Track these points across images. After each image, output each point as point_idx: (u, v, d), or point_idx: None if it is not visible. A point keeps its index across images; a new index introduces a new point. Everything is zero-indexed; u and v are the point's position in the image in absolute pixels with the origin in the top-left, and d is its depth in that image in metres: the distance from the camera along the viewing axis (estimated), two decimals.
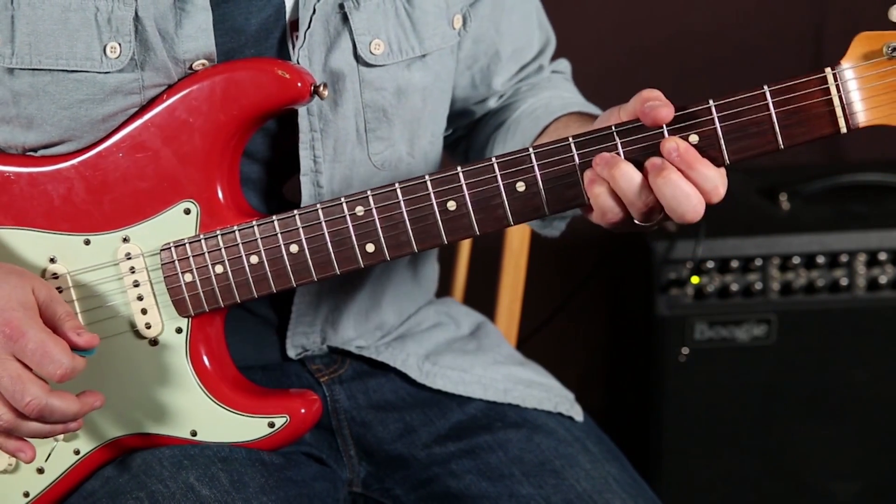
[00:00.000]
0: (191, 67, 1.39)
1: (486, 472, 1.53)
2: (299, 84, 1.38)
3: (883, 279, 2.33)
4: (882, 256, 2.33)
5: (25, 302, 1.32)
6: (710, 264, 2.33)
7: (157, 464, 1.41)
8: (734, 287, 2.33)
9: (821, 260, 2.33)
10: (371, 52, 1.46)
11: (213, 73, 1.38)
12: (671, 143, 1.28)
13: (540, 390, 1.63)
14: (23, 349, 1.29)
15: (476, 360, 1.64)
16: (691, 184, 1.28)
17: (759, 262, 2.33)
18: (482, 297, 1.99)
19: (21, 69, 1.37)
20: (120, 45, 1.36)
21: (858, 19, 2.73)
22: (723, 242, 2.34)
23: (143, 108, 1.39)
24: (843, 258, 2.33)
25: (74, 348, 1.32)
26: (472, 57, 1.60)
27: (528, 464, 1.53)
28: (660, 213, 1.30)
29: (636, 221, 1.32)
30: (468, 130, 1.69)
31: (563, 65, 1.73)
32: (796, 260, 2.33)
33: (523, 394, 1.61)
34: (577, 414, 1.63)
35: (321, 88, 1.39)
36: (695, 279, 2.33)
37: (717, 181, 1.28)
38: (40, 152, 1.41)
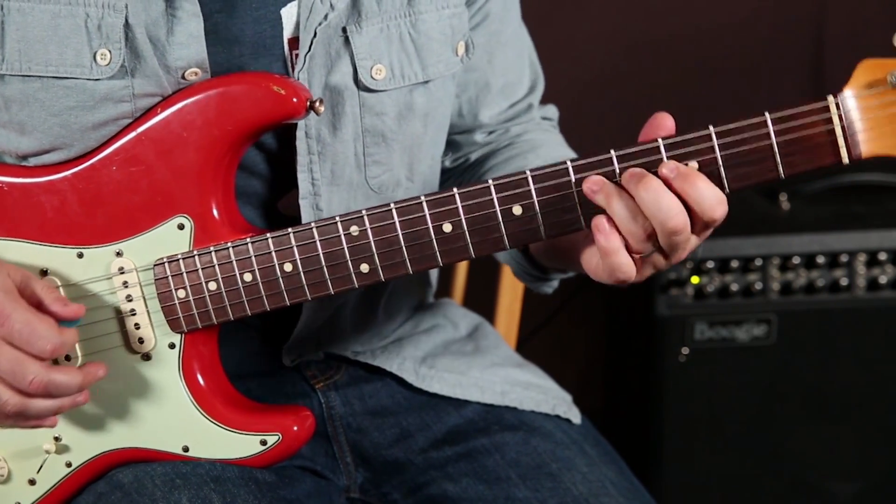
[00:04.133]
0: (183, 76, 1.38)
1: (482, 476, 1.53)
2: (295, 100, 1.36)
3: (883, 279, 2.33)
4: (882, 256, 2.33)
5: (3, 286, 1.32)
6: (710, 264, 2.33)
7: (149, 482, 1.40)
8: (734, 287, 2.33)
9: (821, 260, 2.33)
10: (372, 76, 1.45)
11: (208, 86, 1.38)
12: (671, 164, 1.26)
13: (538, 392, 1.62)
14: (10, 331, 1.30)
15: (473, 362, 1.64)
16: (677, 196, 1.25)
17: (759, 262, 2.33)
18: (482, 297, 1.99)
19: (11, 75, 1.36)
20: (110, 52, 1.36)
21: (859, 19, 2.75)
22: (723, 242, 2.33)
23: (137, 121, 1.38)
24: (843, 258, 2.32)
25: (61, 321, 1.33)
26: (461, 85, 1.59)
27: (525, 467, 1.53)
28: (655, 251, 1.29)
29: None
30: (454, 163, 1.66)
31: (552, 111, 1.71)
32: (796, 260, 2.33)
33: (521, 396, 1.61)
34: (575, 416, 1.63)
35: (317, 104, 1.38)
36: (695, 279, 2.33)
37: (713, 200, 1.25)
38: (34, 160, 1.41)
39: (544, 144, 1.61)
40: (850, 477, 2.42)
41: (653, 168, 1.27)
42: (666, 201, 1.25)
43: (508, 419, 1.59)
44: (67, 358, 1.41)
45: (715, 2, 2.75)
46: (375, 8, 1.44)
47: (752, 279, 2.33)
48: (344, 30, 1.43)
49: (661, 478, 2.41)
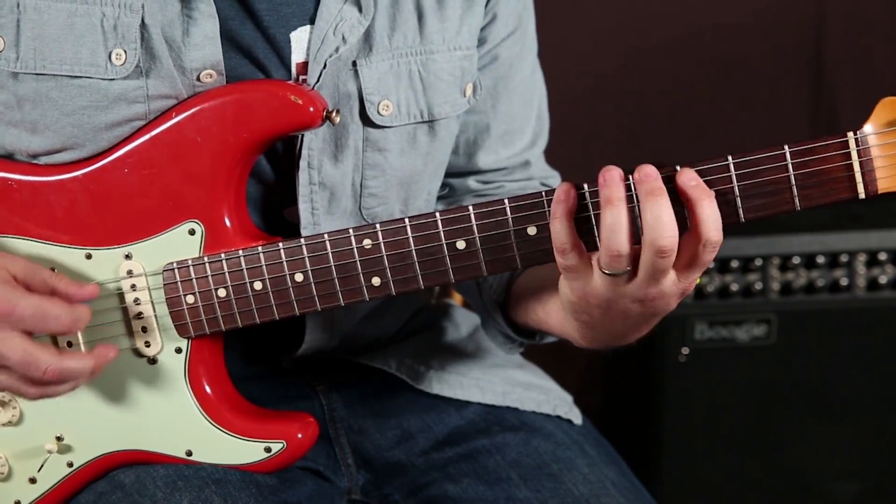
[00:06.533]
0: (198, 78, 1.38)
1: (483, 476, 1.53)
2: (311, 109, 1.36)
3: (883, 279, 2.33)
4: (882, 256, 2.33)
5: (1, 278, 1.32)
6: (711, 264, 2.32)
7: (150, 483, 1.40)
8: (734, 287, 2.33)
9: (821, 260, 2.33)
10: (379, 112, 1.44)
11: (224, 93, 1.37)
12: (689, 173, 1.25)
13: (538, 393, 1.63)
14: (20, 318, 1.30)
15: (474, 362, 1.64)
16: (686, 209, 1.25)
17: (759, 262, 2.33)
18: None
19: (25, 73, 1.36)
20: (125, 52, 1.35)
21: (859, 19, 2.75)
22: (723, 242, 2.33)
23: (151, 124, 1.38)
24: (843, 258, 2.33)
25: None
26: (462, 124, 1.57)
27: (526, 467, 1.53)
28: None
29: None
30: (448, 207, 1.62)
31: (556, 181, 1.68)
32: (796, 260, 2.33)
33: (522, 396, 1.61)
34: (576, 417, 1.63)
35: (333, 114, 1.38)
36: None
37: (717, 222, 1.24)
38: (45, 159, 1.41)
39: None
40: (850, 477, 2.42)
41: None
42: (667, 217, 1.23)
43: (509, 420, 1.59)
44: None
45: (715, 3, 2.75)
46: (387, 44, 1.44)
47: (752, 279, 2.33)
48: (354, 63, 1.43)
49: (660, 477, 2.41)
